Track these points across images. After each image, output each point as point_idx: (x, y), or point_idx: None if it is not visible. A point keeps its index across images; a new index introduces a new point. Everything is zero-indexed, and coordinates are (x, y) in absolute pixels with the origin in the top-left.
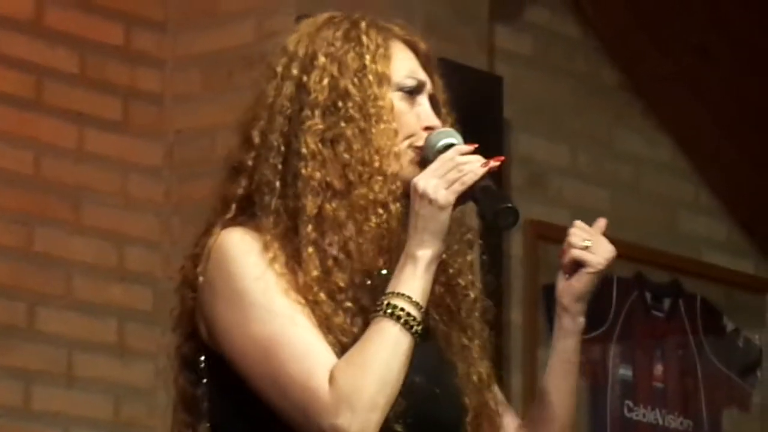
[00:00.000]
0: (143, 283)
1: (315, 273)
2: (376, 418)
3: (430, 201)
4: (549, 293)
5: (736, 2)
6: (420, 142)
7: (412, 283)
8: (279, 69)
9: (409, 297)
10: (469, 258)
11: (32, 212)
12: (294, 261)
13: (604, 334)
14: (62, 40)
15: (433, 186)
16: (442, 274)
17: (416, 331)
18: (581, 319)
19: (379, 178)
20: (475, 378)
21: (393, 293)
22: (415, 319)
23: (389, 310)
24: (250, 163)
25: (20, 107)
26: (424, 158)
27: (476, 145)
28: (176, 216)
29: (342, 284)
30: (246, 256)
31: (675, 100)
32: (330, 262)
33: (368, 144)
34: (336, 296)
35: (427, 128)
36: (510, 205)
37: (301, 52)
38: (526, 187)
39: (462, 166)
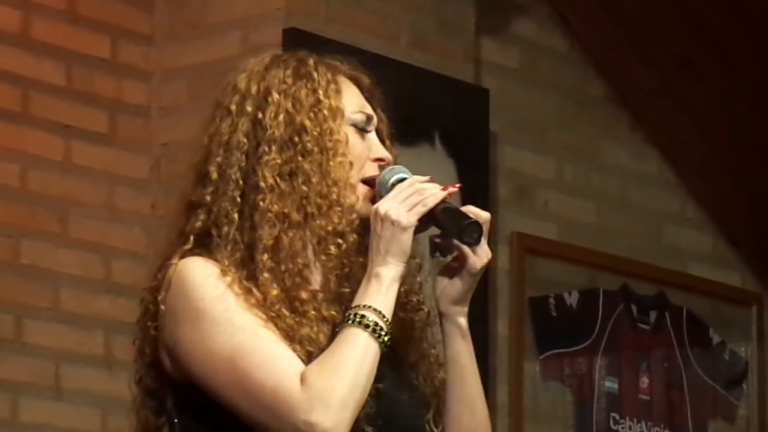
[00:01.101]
0: (130, 295)
1: (274, 292)
2: (347, 416)
3: (393, 222)
4: (535, 306)
5: (720, 16)
6: (370, 172)
7: (377, 297)
8: (233, 107)
9: (376, 309)
10: (418, 279)
11: (19, 224)
12: (251, 285)
13: (590, 347)
14: (49, 52)
15: (395, 209)
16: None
17: (383, 341)
18: (462, 321)
19: (338, 209)
20: (437, 382)
21: (360, 306)
22: (382, 328)
23: (358, 320)
24: (208, 198)
25: (7, 119)
26: (379, 194)
27: (428, 177)
28: (163, 228)
29: (304, 296)
30: (206, 279)
31: (661, 113)
32: (288, 283)
33: (326, 177)
34: (299, 308)
35: (377, 159)
36: (472, 219)
37: (253, 89)
38: (512, 200)
39: (422, 190)
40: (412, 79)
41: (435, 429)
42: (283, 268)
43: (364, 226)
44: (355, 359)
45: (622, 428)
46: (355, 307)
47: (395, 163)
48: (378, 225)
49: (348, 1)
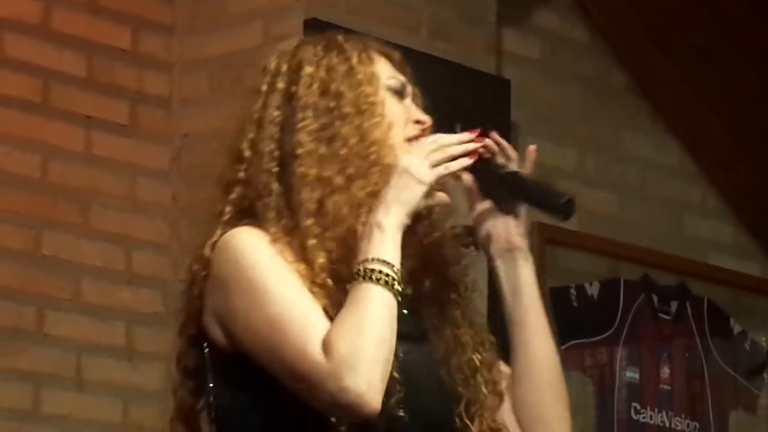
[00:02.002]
0: (151, 286)
1: (320, 260)
2: (378, 374)
3: (411, 174)
4: (556, 296)
5: (740, 6)
6: (413, 132)
7: (381, 247)
8: (263, 87)
9: (383, 260)
10: (458, 250)
11: (40, 216)
12: (299, 253)
13: (611, 337)
14: (70, 43)
15: (416, 164)
16: (432, 267)
17: (397, 290)
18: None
19: (376, 169)
20: (465, 368)
21: (366, 259)
22: (393, 278)
23: (369, 275)
24: (241, 175)
25: (28, 111)
26: None
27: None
28: (184, 219)
29: (348, 268)
30: (254, 247)
31: (682, 103)
32: (334, 253)
33: (364, 138)
34: (343, 280)
35: (417, 122)
36: (569, 198)
37: (284, 67)
38: None
39: (446, 148)
40: (433, 70)
41: (469, 423)
42: (328, 235)
43: None
44: (374, 316)
45: (643, 418)
46: (363, 261)
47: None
48: (394, 177)
49: None
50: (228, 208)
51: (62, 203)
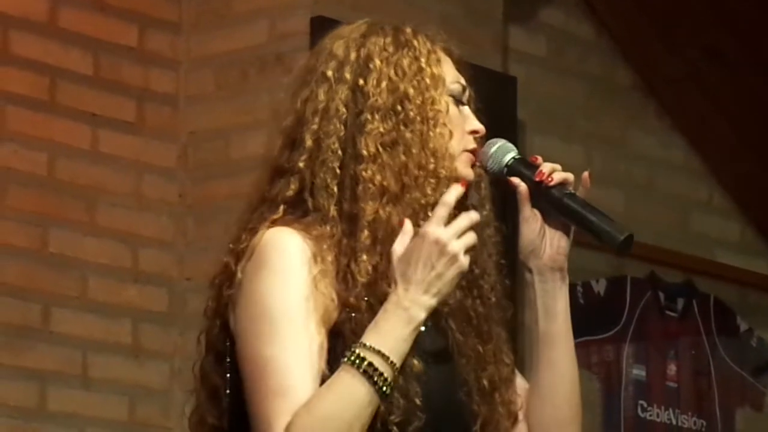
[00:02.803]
0: (158, 284)
1: (362, 280)
2: None
3: (451, 259)
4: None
5: (747, 4)
6: (470, 145)
7: (390, 337)
8: (329, 73)
9: (382, 353)
10: (494, 259)
11: (47, 213)
12: (345, 261)
13: (618, 335)
14: (76, 41)
15: (457, 244)
16: (465, 277)
17: (384, 391)
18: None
19: (432, 181)
20: (485, 383)
21: (366, 345)
22: (385, 379)
23: (358, 363)
24: (301, 165)
25: (34, 108)
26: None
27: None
28: (190, 217)
29: (389, 292)
30: (283, 266)
31: (688, 101)
32: (380, 270)
33: (425, 147)
34: (380, 300)
35: (472, 132)
36: (628, 233)
37: (352, 56)
38: None
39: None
40: None
41: None
42: (379, 249)
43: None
44: (344, 413)
45: (650, 416)
46: (360, 345)
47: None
48: (433, 250)
49: None
50: (281, 204)
51: (69, 201)
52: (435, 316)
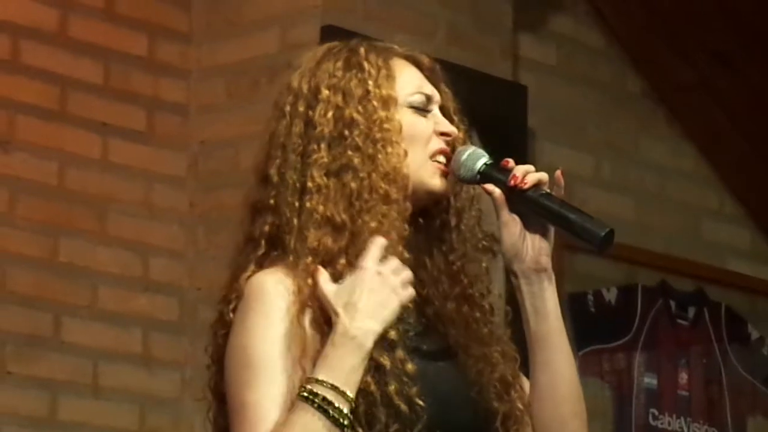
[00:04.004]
0: (168, 293)
1: (317, 305)
2: None
3: (393, 289)
4: (574, 302)
5: (757, 10)
6: (436, 146)
7: (342, 368)
8: (287, 108)
9: (336, 387)
10: (483, 265)
11: (57, 223)
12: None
13: (629, 343)
14: (87, 50)
15: (395, 282)
16: (457, 285)
17: (343, 423)
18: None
19: (384, 205)
20: (497, 382)
21: (318, 380)
22: (341, 412)
23: (312, 398)
24: (271, 201)
25: (45, 118)
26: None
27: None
28: (201, 226)
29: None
30: (263, 311)
31: (698, 108)
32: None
33: (375, 170)
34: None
35: (443, 134)
36: (609, 230)
37: (305, 88)
38: None
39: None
40: (449, 76)
41: None
42: (330, 272)
43: (435, 201)
44: None
45: (661, 424)
46: (312, 380)
47: (463, 140)
48: (376, 280)
49: None
50: (262, 241)
51: (79, 210)
52: (428, 320)
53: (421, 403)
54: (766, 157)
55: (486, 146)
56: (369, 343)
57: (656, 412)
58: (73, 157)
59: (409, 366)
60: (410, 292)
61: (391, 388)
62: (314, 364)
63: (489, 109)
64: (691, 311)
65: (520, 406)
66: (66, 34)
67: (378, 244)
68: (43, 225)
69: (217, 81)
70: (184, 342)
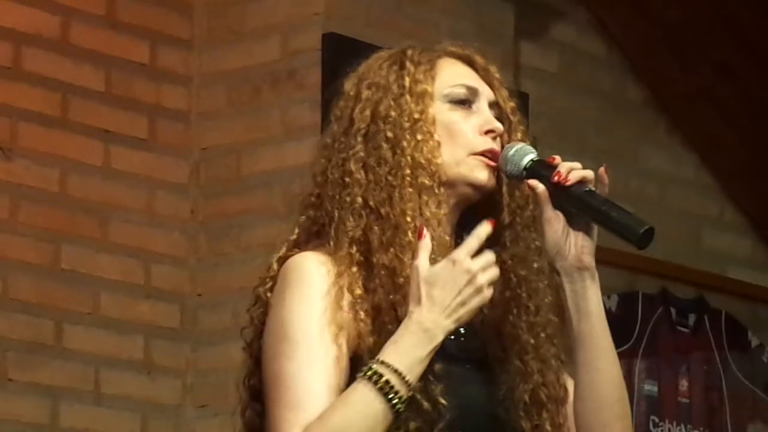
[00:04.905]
0: (170, 300)
1: (358, 291)
2: None
3: (477, 289)
4: None
5: (758, 20)
6: (481, 147)
7: (408, 355)
8: (336, 112)
9: (398, 371)
10: (536, 265)
11: (59, 229)
12: (363, 287)
13: (630, 350)
14: (88, 57)
15: (483, 277)
16: (507, 289)
17: (397, 408)
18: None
19: (417, 195)
20: (527, 400)
21: (383, 362)
22: (398, 393)
23: (374, 378)
24: (313, 198)
25: (46, 125)
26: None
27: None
28: (203, 233)
29: (383, 304)
30: (304, 285)
31: (699, 117)
32: (376, 281)
33: (404, 159)
34: (378, 317)
35: (488, 132)
36: (648, 226)
37: (352, 91)
38: None
39: (476, 279)
40: None
41: None
42: (373, 260)
43: (484, 197)
44: (357, 427)
45: (662, 431)
46: (378, 361)
47: (521, 139)
48: (463, 278)
49: (387, 5)
50: (296, 228)
51: (81, 217)
52: (471, 327)
53: (444, 402)
54: (766, 166)
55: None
56: (439, 338)
57: (657, 419)
58: (74, 164)
59: (437, 366)
60: (490, 292)
61: (416, 384)
62: (350, 345)
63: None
64: (692, 318)
65: (548, 428)
66: (68, 40)
67: (480, 235)
68: (45, 232)
69: (218, 88)
70: (186, 349)
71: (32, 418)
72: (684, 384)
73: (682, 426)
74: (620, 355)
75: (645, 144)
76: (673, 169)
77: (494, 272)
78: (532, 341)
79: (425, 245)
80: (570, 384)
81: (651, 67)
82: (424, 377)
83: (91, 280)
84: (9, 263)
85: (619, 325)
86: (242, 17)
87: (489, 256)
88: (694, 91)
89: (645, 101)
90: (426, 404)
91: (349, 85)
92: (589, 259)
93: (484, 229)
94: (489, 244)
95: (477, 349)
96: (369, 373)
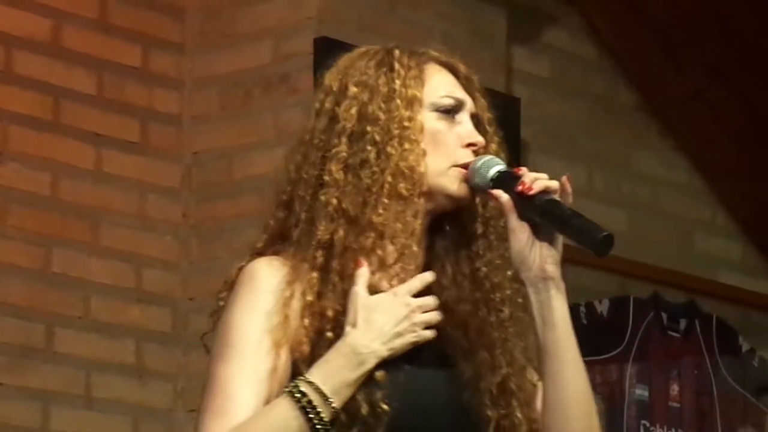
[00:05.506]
0: (161, 304)
1: (309, 298)
2: None
3: (409, 314)
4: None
5: (751, 23)
6: (463, 160)
7: (337, 377)
8: (316, 105)
9: (322, 393)
10: (509, 273)
11: (50, 233)
12: (315, 298)
13: (621, 355)
14: (80, 60)
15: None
16: (478, 290)
17: (318, 429)
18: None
19: (395, 203)
20: (494, 390)
21: (308, 381)
22: (322, 419)
23: (297, 394)
24: (284, 197)
25: (38, 128)
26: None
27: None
28: (194, 237)
29: (329, 313)
30: (253, 291)
31: (691, 121)
32: (329, 287)
33: (389, 166)
34: (319, 324)
35: (469, 145)
36: (607, 233)
37: (335, 86)
38: None
39: (413, 315)
40: None
41: None
42: (333, 266)
43: (459, 208)
44: None
45: None
46: (305, 380)
47: (496, 152)
48: (402, 311)
49: (380, 9)
50: (264, 235)
51: (72, 221)
52: (435, 328)
53: (384, 407)
54: (759, 170)
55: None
56: (370, 364)
57: (647, 424)
58: (66, 168)
59: (377, 374)
60: (428, 334)
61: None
62: (292, 354)
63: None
64: (683, 323)
65: (519, 415)
66: (60, 44)
67: (423, 278)
68: (36, 235)
69: (210, 92)
70: (177, 353)
71: (23, 422)
72: (675, 388)
73: (673, 430)
74: (612, 360)
75: (637, 148)
76: (665, 173)
77: (434, 316)
78: (501, 336)
79: (363, 273)
80: (539, 385)
81: (643, 70)
82: (366, 382)
83: (82, 284)
84: (0, 267)
85: (611, 329)
86: (234, 21)
87: (430, 300)
88: (686, 94)
89: (637, 105)
90: (364, 410)
91: (331, 80)
92: (553, 269)
93: (428, 275)
94: (463, 250)
95: (439, 347)
96: (293, 390)
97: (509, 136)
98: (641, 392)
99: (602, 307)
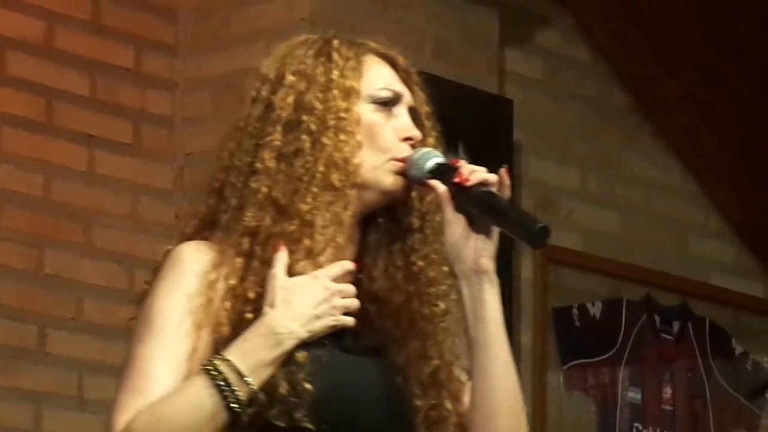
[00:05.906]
0: None
1: (232, 282)
2: None
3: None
4: (559, 316)
5: (745, 26)
6: (401, 154)
7: (254, 357)
8: (253, 93)
9: (240, 372)
10: (445, 268)
11: (43, 235)
12: (239, 281)
13: (614, 357)
14: (73, 62)
15: (337, 301)
16: (412, 283)
17: (233, 408)
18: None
19: (325, 193)
20: (424, 380)
21: (225, 359)
22: (236, 394)
23: (213, 373)
24: (216, 184)
25: (30, 129)
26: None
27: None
28: None
29: (251, 295)
30: (177, 273)
31: (685, 123)
32: (250, 271)
33: (322, 156)
34: (241, 307)
35: (406, 139)
36: (543, 224)
37: (272, 74)
38: (536, 210)
39: (333, 298)
40: (435, 90)
41: None
42: (257, 253)
43: (394, 201)
44: (185, 419)
45: None
46: (222, 358)
47: (434, 145)
48: (322, 294)
49: (373, 11)
50: (194, 221)
51: (65, 222)
52: (364, 319)
53: (306, 386)
54: (752, 173)
55: (471, 160)
56: (289, 344)
57: (640, 427)
58: (59, 169)
59: (299, 354)
60: (348, 320)
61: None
62: (213, 335)
63: (475, 123)
64: (676, 326)
65: (448, 406)
66: (52, 45)
67: (343, 266)
68: (28, 237)
69: (203, 93)
70: None
71: (15, 424)
72: (668, 391)
73: None
74: (604, 363)
75: (630, 150)
76: (658, 176)
77: (352, 302)
78: (433, 330)
79: (282, 256)
80: (466, 382)
81: (636, 73)
82: (287, 363)
83: (74, 285)
84: None
85: (603, 332)
86: (227, 23)
87: (350, 287)
88: (679, 97)
89: (630, 107)
90: (282, 389)
91: (268, 68)
92: (487, 263)
93: (348, 263)
94: (398, 243)
95: (367, 338)
96: (209, 368)
97: (501, 138)
98: (634, 395)
99: (595, 310)
